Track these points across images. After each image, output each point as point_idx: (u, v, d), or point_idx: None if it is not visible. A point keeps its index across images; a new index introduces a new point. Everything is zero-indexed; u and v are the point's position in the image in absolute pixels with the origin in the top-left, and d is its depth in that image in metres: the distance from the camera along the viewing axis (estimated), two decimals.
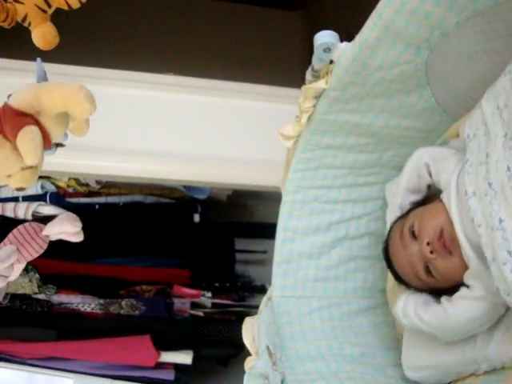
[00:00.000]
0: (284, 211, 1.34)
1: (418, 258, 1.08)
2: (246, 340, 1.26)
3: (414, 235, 1.10)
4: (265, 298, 1.34)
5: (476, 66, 1.07)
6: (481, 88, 1.05)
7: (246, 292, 2.32)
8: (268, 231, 2.45)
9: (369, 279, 1.39)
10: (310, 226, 1.34)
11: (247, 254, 2.42)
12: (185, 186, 2.26)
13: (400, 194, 1.22)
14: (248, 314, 2.30)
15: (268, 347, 1.19)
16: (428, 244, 1.05)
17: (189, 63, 2.18)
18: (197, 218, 2.29)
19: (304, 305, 1.32)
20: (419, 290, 1.16)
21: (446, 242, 1.04)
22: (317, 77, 1.17)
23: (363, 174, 1.34)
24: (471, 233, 0.97)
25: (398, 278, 1.19)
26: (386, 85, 1.12)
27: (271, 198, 2.50)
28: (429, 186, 1.19)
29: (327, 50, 1.09)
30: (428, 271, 1.08)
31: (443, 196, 1.07)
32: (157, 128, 2.03)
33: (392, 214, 1.25)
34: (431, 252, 1.05)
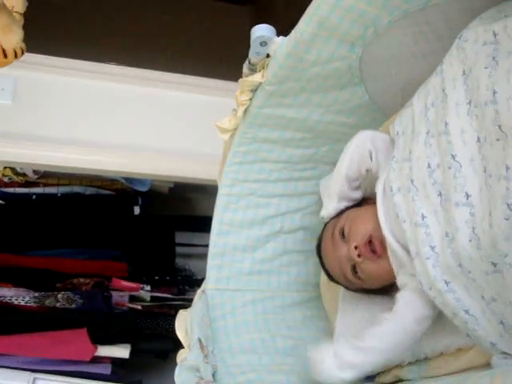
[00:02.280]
0: (220, 204, 1.33)
1: (346, 259, 1.09)
2: (179, 333, 1.25)
3: (344, 236, 1.11)
4: (199, 291, 1.34)
5: (408, 67, 1.09)
6: (413, 87, 1.07)
7: (186, 286, 2.30)
8: (210, 225, 2.46)
9: (302, 273, 1.40)
10: (246, 220, 1.34)
11: (188, 248, 2.40)
12: (125, 178, 2.23)
13: (339, 182, 1.18)
14: (187, 308, 2.30)
15: (200, 340, 1.18)
16: (356, 248, 1.06)
17: (131, 53, 2.15)
18: (137, 210, 2.27)
19: (238, 298, 1.32)
20: (350, 289, 1.19)
21: (374, 248, 1.05)
22: (253, 70, 1.17)
23: (299, 169, 1.35)
24: (397, 231, 0.99)
25: (330, 276, 1.20)
26: (321, 80, 1.13)
27: (214, 192, 2.51)
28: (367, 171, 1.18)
29: (264, 43, 1.10)
30: (355, 272, 1.09)
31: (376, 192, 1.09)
32: (97, 118, 2.00)
33: (328, 207, 1.25)
34: (358, 256, 1.06)
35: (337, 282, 1.20)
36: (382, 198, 1.04)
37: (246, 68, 1.18)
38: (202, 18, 3.07)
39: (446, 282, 0.88)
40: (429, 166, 0.91)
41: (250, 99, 1.21)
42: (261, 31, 1.09)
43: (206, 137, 2.06)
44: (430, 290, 0.91)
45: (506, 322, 0.84)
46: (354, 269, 1.09)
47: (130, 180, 2.22)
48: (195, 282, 2.31)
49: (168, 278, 2.30)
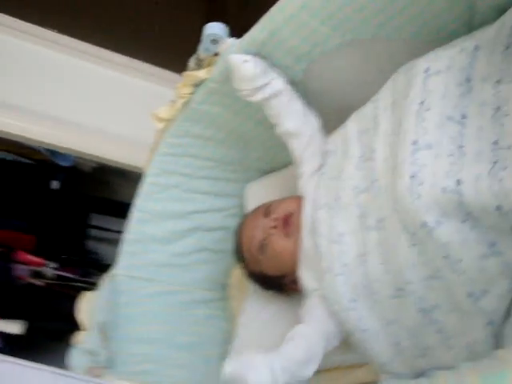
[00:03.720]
0: (143, 192, 1.32)
1: (261, 230, 1.13)
2: (80, 314, 1.23)
3: (266, 214, 1.15)
4: (109, 275, 1.32)
5: (346, 91, 1.13)
6: (345, 112, 1.10)
7: (92, 269, 2.25)
8: (128, 211, 2.42)
9: (214, 272, 1.41)
10: (167, 211, 1.34)
11: (102, 232, 2.35)
12: (50, 150, 2.15)
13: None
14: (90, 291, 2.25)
15: (101, 324, 1.17)
16: (274, 220, 1.11)
17: (80, 26, 2.09)
18: (55, 184, 2.19)
19: (146, 287, 1.31)
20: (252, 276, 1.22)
21: (290, 224, 1.09)
22: (200, 66, 1.18)
23: (227, 170, 1.36)
24: (314, 239, 1.02)
25: (238, 254, 1.23)
26: None
27: (135, 179, 2.47)
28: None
29: (215, 41, 1.11)
30: (261, 247, 1.12)
31: (302, 193, 1.12)
32: (30, 83, 1.94)
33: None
34: (273, 227, 1.10)
35: (242, 263, 1.23)
36: (308, 205, 1.07)
37: (192, 62, 1.18)
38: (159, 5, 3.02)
39: (352, 300, 0.92)
40: (356, 188, 0.94)
41: (191, 93, 1.21)
42: (213, 29, 1.10)
43: (138, 123, 2.04)
44: (333, 306, 0.95)
45: (400, 344, 0.89)
46: (261, 246, 1.12)
47: (53, 153, 2.15)
48: (103, 266, 2.26)
49: (76, 258, 2.24)
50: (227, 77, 1.14)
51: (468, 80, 0.81)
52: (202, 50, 1.14)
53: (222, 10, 3.30)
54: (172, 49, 2.51)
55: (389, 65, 1.05)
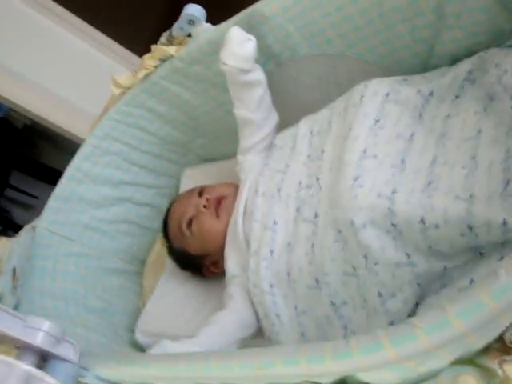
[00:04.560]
0: (83, 152, 1.32)
1: (192, 208, 1.18)
2: None
3: (200, 194, 1.20)
4: (28, 226, 1.29)
5: (306, 97, 1.20)
6: (299, 114, 1.17)
7: (1, 226, 2.17)
8: (48, 176, 2.36)
9: (134, 246, 1.43)
10: (102, 176, 1.35)
11: (19, 194, 2.27)
12: None
13: None
14: None
15: (14, 269, 1.15)
16: (206, 200, 1.16)
17: None
18: None
19: (65, 245, 1.30)
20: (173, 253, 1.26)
21: (221, 206, 1.15)
22: (170, 43, 1.22)
23: (169, 150, 1.40)
24: (247, 224, 1.08)
25: (165, 230, 1.27)
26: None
27: (63, 147, 2.43)
28: None
29: (191, 22, 1.15)
30: (190, 224, 1.17)
31: (241, 179, 1.17)
32: None
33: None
34: (204, 206, 1.16)
35: (166, 237, 1.26)
36: (246, 191, 1.12)
37: (164, 38, 1.22)
38: None
39: (271, 285, 0.97)
40: (299, 184, 1.01)
41: (155, 67, 1.24)
42: (192, 10, 1.14)
43: (84, 91, 2.04)
44: (253, 287, 1.00)
45: (305, 334, 0.95)
46: (190, 222, 1.17)
47: None
48: (12, 225, 2.20)
49: None
50: (195, 59, 1.18)
51: (420, 116, 0.90)
52: (177, 29, 1.18)
53: None
54: (132, 27, 2.53)
55: (346, 81, 1.14)
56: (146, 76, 1.25)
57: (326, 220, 0.90)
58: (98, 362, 0.82)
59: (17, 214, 2.30)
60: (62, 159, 2.40)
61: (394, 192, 0.81)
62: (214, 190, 1.19)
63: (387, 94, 0.92)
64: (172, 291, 1.27)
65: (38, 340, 0.81)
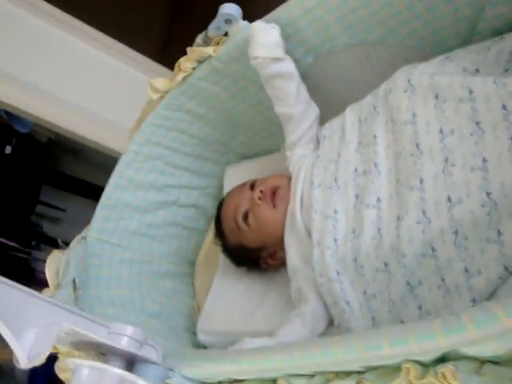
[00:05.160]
0: (125, 159, 1.34)
1: (247, 201, 1.18)
2: (49, 271, 1.22)
3: (252, 187, 1.20)
4: (78, 237, 1.31)
5: (346, 87, 1.21)
6: (343, 106, 1.17)
7: (36, 241, 2.19)
8: (75, 187, 2.38)
9: (183, 248, 1.44)
10: (146, 181, 1.36)
11: (46, 208, 2.29)
12: (8, 113, 2.09)
13: None
14: (29, 264, 2.19)
15: (74, 280, 1.17)
16: (260, 192, 1.16)
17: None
18: (8, 149, 2.12)
19: (117, 253, 1.32)
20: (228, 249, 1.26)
21: (277, 196, 1.15)
22: (207, 43, 1.22)
23: (210, 150, 1.41)
24: (305, 216, 1.09)
25: (218, 226, 1.27)
26: None
27: (88, 157, 2.44)
28: None
29: (228, 21, 1.16)
30: (246, 217, 1.17)
31: (292, 172, 1.17)
32: (9, 45, 1.91)
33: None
34: (259, 198, 1.16)
35: (220, 235, 1.27)
36: (301, 183, 1.12)
37: (200, 39, 1.23)
38: None
39: (338, 273, 0.98)
40: (355, 171, 1.02)
41: (193, 69, 1.25)
42: (229, 9, 1.15)
43: (106, 101, 2.06)
44: (320, 277, 1.01)
45: (376, 319, 0.96)
46: (245, 216, 1.17)
47: (12, 116, 2.08)
48: (47, 239, 2.21)
49: (20, 227, 2.17)
50: (233, 58, 1.19)
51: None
52: (213, 28, 1.18)
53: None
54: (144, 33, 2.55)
55: (389, 68, 1.15)
56: (184, 79, 1.26)
57: (394, 204, 0.91)
58: (183, 363, 0.83)
59: (46, 227, 2.32)
60: (87, 170, 2.42)
61: (484, 161, 0.81)
62: (266, 182, 1.19)
63: (432, 75, 0.93)
64: (228, 288, 1.29)
65: (124, 344, 0.83)
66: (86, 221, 2.67)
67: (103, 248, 1.30)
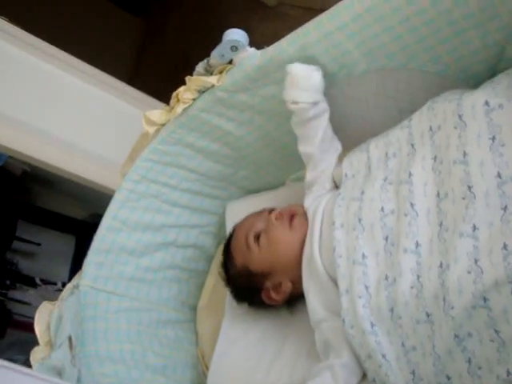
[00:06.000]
0: (118, 198, 1.23)
1: (262, 221, 1.12)
2: (38, 327, 1.10)
3: (270, 212, 1.14)
4: (70, 285, 1.19)
5: (360, 114, 1.14)
6: (356, 133, 1.12)
7: (10, 280, 2.03)
8: (50, 221, 2.25)
9: (183, 292, 1.33)
10: (141, 222, 1.25)
11: (21, 243, 2.14)
12: None
13: None
14: (5, 305, 2.04)
15: (70, 338, 1.05)
16: (279, 213, 1.11)
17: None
18: None
19: (113, 302, 1.20)
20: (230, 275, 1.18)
21: (295, 219, 1.09)
22: (209, 72, 1.13)
23: (210, 185, 1.31)
24: (326, 261, 1.00)
25: (226, 251, 1.19)
26: (275, 104, 1.11)
27: (63, 189, 2.31)
28: None
29: (234, 48, 1.07)
30: (259, 235, 1.10)
31: (308, 211, 1.10)
32: None
33: None
34: (278, 218, 1.10)
35: (226, 258, 1.18)
36: (319, 223, 1.05)
37: (201, 67, 1.13)
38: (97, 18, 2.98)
39: (372, 324, 0.90)
40: (382, 210, 0.94)
41: (194, 99, 1.16)
42: (236, 35, 1.06)
43: (89, 133, 1.94)
44: (351, 328, 0.92)
45: (417, 373, 0.88)
46: (257, 236, 1.10)
47: None
48: (23, 278, 2.06)
49: None
50: (240, 87, 1.10)
51: None
52: (217, 56, 1.09)
53: (159, 27, 3.27)
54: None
55: (405, 94, 1.08)
56: (184, 110, 1.16)
57: (436, 250, 0.83)
58: None
59: (21, 264, 2.17)
60: (62, 202, 2.29)
61: None
62: (284, 208, 1.13)
63: (486, 103, 0.86)
64: (239, 338, 1.17)
65: None
66: (62, 255, 2.52)
67: (98, 297, 1.19)
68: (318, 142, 1.09)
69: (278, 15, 2.61)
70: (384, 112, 1.11)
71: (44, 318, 1.12)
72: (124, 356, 1.13)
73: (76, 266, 2.40)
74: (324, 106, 1.07)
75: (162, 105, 2.18)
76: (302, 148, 1.11)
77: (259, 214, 1.17)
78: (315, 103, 1.04)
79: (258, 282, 1.12)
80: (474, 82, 1.00)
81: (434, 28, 0.94)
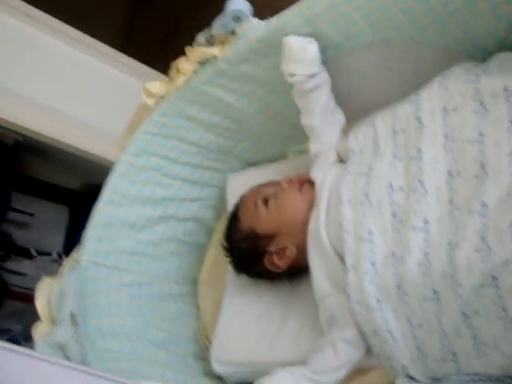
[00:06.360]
0: (118, 171, 1.21)
1: (271, 187, 1.12)
2: (39, 302, 1.09)
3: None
4: (70, 260, 1.18)
5: (363, 86, 1.12)
6: (358, 105, 1.11)
7: (4, 251, 2.01)
8: (43, 191, 2.22)
9: (184, 265, 1.33)
10: (141, 195, 1.24)
11: (19, 215, 2.11)
12: None
13: None
14: (1, 276, 2.02)
15: (72, 314, 1.04)
16: (289, 179, 1.11)
17: None
18: None
19: (114, 277, 1.19)
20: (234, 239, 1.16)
21: (305, 186, 1.09)
22: (210, 43, 1.10)
23: (211, 158, 1.29)
24: (334, 236, 0.99)
25: (233, 215, 1.18)
26: (277, 75, 1.08)
27: (55, 159, 2.27)
28: None
29: (237, 18, 1.04)
30: (268, 199, 1.10)
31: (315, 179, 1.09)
32: None
33: None
34: (287, 183, 1.10)
35: (232, 224, 1.17)
36: (326, 196, 1.03)
37: (201, 38, 1.10)
38: None
39: (378, 300, 0.89)
40: (390, 186, 0.92)
41: (194, 71, 1.13)
42: (239, 5, 1.03)
43: (79, 101, 1.90)
44: (356, 304, 0.91)
45: (422, 348, 0.88)
46: (267, 198, 1.10)
47: None
48: (18, 249, 2.04)
49: None
50: (243, 59, 1.07)
51: None
52: (219, 27, 1.06)
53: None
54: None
55: (411, 69, 1.06)
56: (184, 82, 1.13)
57: (446, 228, 0.83)
58: None
59: (15, 234, 2.15)
60: (55, 172, 2.25)
61: None
62: (295, 175, 1.13)
63: (506, 88, 0.84)
64: (242, 311, 1.17)
65: None
66: (55, 225, 2.50)
67: (99, 272, 1.17)
68: (318, 113, 1.07)
69: None
70: (387, 84, 1.09)
71: (45, 293, 1.11)
72: (126, 331, 1.13)
73: (70, 235, 2.39)
74: (323, 77, 1.06)
75: (154, 72, 2.17)
76: (304, 120, 1.10)
77: (266, 183, 1.17)
78: (312, 75, 1.03)
79: (262, 246, 1.10)
80: (482, 55, 0.98)
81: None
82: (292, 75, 1.03)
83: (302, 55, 1.00)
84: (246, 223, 1.13)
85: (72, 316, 1.04)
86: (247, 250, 1.13)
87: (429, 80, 0.98)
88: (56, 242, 2.24)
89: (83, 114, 1.93)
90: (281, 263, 1.09)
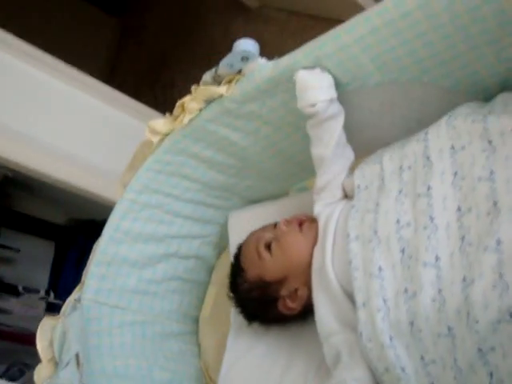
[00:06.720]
0: (120, 209, 1.20)
1: (271, 232, 1.11)
2: (40, 343, 1.07)
3: (275, 226, 1.13)
4: (71, 299, 1.16)
5: (371, 123, 1.13)
6: (367, 142, 1.13)
7: None
8: (30, 226, 2.18)
9: (184, 304, 1.31)
10: (143, 233, 1.23)
11: (5, 250, 2.07)
12: None
13: None
14: None
15: (77, 355, 1.02)
16: (286, 221, 1.10)
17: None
18: None
19: (117, 316, 1.18)
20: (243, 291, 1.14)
21: (304, 225, 1.08)
22: (216, 82, 1.11)
23: (213, 195, 1.29)
24: (342, 275, 1.00)
25: (236, 265, 1.16)
26: (283, 113, 1.11)
27: (42, 194, 2.24)
28: None
29: (245, 59, 1.05)
30: (270, 244, 1.08)
31: (319, 218, 1.09)
32: None
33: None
34: (286, 225, 1.09)
35: (237, 274, 1.14)
36: (332, 232, 1.04)
37: (208, 77, 1.11)
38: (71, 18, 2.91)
39: (391, 337, 0.89)
40: (397, 222, 0.93)
41: (200, 110, 1.14)
42: (248, 46, 1.04)
43: (66, 134, 1.89)
44: (369, 342, 0.91)
45: None
46: (269, 244, 1.09)
47: None
48: (5, 286, 1.99)
49: None
50: (250, 98, 1.09)
51: None
52: (225, 66, 1.07)
53: (134, 29, 3.22)
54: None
55: (415, 106, 1.09)
56: (191, 120, 1.14)
57: (458, 264, 0.84)
58: None
59: (2, 271, 2.10)
60: (41, 207, 2.23)
61: None
62: (292, 216, 1.12)
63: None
64: (246, 352, 1.15)
65: None
66: (41, 261, 2.45)
67: (101, 311, 1.16)
68: (333, 144, 1.07)
69: (260, 18, 2.60)
70: (392, 121, 1.11)
71: (46, 334, 1.08)
72: (130, 372, 1.11)
73: (55, 271, 2.35)
74: (339, 105, 1.06)
75: (142, 106, 2.17)
76: (316, 150, 1.09)
77: (263, 228, 1.16)
78: (332, 100, 1.03)
79: (273, 292, 1.09)
80: (485, 96, 1.01)
81: (449, 43, 0.94)
82: (313, 105, 1.02)
83: (319, 81, 1.00)
84: (252, 272, 1.11)
85: (77, 358, 1.02)
86: (259, 298, 1.12)
87: (432, 117, 1.01)
88: (42, 278, 2.19)
89: (71, 149, 1.92)
90: (295, 305, 1.09)
